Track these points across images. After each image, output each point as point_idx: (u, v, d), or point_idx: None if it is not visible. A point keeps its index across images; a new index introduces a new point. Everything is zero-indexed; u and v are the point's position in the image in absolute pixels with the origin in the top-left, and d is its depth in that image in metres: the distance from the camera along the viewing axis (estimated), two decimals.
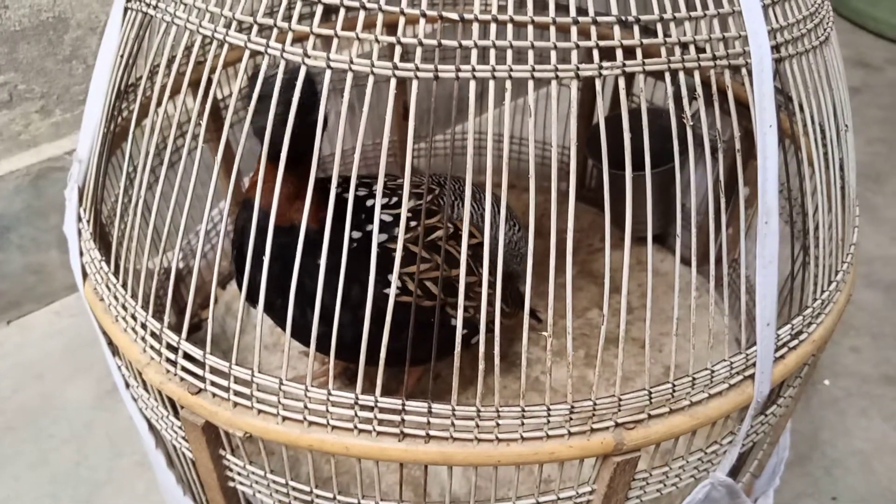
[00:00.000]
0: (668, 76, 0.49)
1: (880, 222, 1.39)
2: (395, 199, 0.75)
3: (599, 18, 0.47)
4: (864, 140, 1.59)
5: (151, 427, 0.69)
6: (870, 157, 1.55)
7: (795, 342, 0.59)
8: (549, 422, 0.52)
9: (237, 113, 1.00)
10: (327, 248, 0.48)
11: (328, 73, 0.47)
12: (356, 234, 0.68)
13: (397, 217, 0.70)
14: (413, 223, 0.71)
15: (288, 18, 0.48)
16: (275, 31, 0.48)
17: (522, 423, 0.52)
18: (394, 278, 0.48)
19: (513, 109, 1.28)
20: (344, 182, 0.65)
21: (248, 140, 0.53)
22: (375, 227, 0.50)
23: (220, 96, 0.99)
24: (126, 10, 0.59)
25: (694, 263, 0.59)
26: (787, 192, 0.70)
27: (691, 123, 0.49)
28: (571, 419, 0.53)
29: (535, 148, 1.24)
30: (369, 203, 0.72)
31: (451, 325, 0.70)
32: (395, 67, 0.46)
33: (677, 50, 0.48)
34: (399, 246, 0.49)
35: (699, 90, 0.50)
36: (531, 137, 0.50)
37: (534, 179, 0.50)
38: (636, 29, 0.48)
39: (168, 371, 0.57)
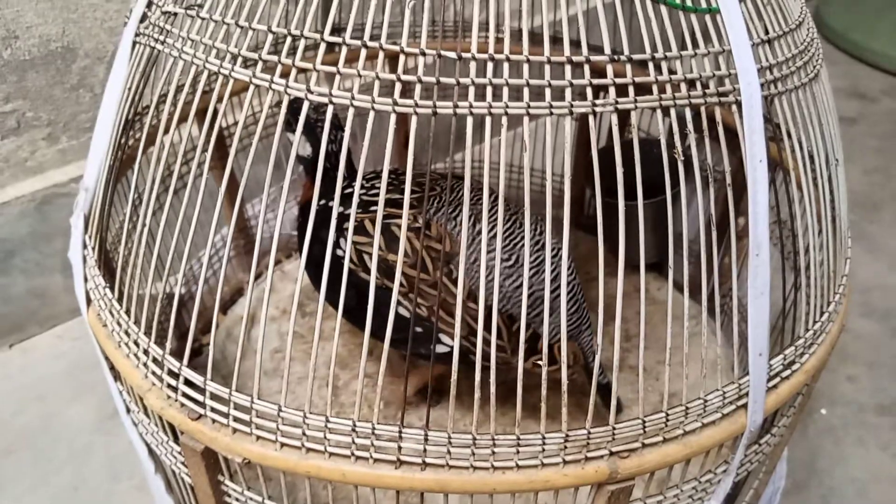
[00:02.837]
0: (659, 112, 0.50)
1: (877, 251, 1.39)
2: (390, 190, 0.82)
3: (593, 57, 0.48)
4: (861, 170, 1.61)
5: (151, 452, 0.70)
6: (866, 186, 1.56)
7: (788, 372, 0.60)
8: (543, 450, 0.53)
9: (241, 141, 1.02)
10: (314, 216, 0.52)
11: (330, 107, 0.49)
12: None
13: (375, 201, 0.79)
14: (374, 208, 0.78)
15: (292, 54, 0.50)
16: (279, 66, 0.50)
17: (518, 451, 0.53)
18: (330, 234, 0.52)
19: (511, 139, 1.29)
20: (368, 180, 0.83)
21: (253, 167, 0.55)
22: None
23: (224, 125, 1.01)
24: (134, 44, 0.61)
25: (686, 292, 0.60)
26: (779, 225, 0.71)
27: (682, 158, 0.51)
28: (566, 447, 0.53)
29: (535, 176, 1.26)
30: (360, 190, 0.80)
31: (399, 314, 0.74)
32: (395, 104, 0.47)
33: (668, 87, 0.50)
34: (352, 213, 0.53)
35: (690, 126, 0.51)
36: (526, 169, 0.51)
37: (528, 208, 0.51)
38: (628, 67, 0.49)
39: (169, 397, 0.58)
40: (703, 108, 0.52)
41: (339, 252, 0.76)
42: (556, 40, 0.50)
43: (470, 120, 0.48)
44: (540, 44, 0.48)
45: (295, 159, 0.53)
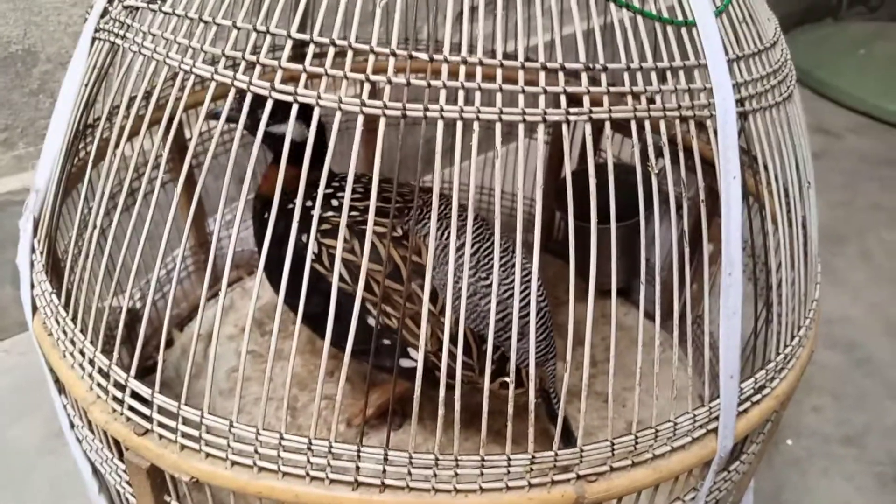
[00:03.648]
0: (634, 125, 0.49)
1: (841, 284, 1.41)
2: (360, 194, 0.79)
3: (567, 65, 0.47)
4: (826, 204, 1.63)
5: (95, 470, 0.66)
6: (831, 220, 1.58)
7: (759, 397, 0.59)
8: (509, 472, 0.51)
9: (204, 154, 0.99)
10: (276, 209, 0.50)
11: (295, 107, 0.47)
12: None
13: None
14: (355, 213, 0.76)
15: (257, 52, 0.48)
16: (243, 63, 0.48)
17: (482, 474, 0.51)
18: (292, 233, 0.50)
19: (482, 162, 1.29)
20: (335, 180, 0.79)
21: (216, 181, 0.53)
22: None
23: (187, 135, 0.98)
24: (94, 39, 0.59)
25: (658, 318, 0.58)
26: (752, 251, 0.70)
27: (656, 172, 0.50)
28: (532, 470, 0.51)
29: (504, 199, 1.25)
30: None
31: (368, 325, 0.72)
32: (364, 104, 0.46)
33: (644, 99, 0.49)
34: (316, 213, 0.51)
35: (664, 139, 0.50)
36: (498, 185, 0.50)
37: (499, 227, 0.49)
38: (603, 77, 0.48)
39: (114, 410, 0.54)
40: (678, 129, 0.51)
41: (310, 255, 0.73)
42: (531, 50, 0.48)
43: (441, 125, 0.46)
44: (514, 57, 0.47)
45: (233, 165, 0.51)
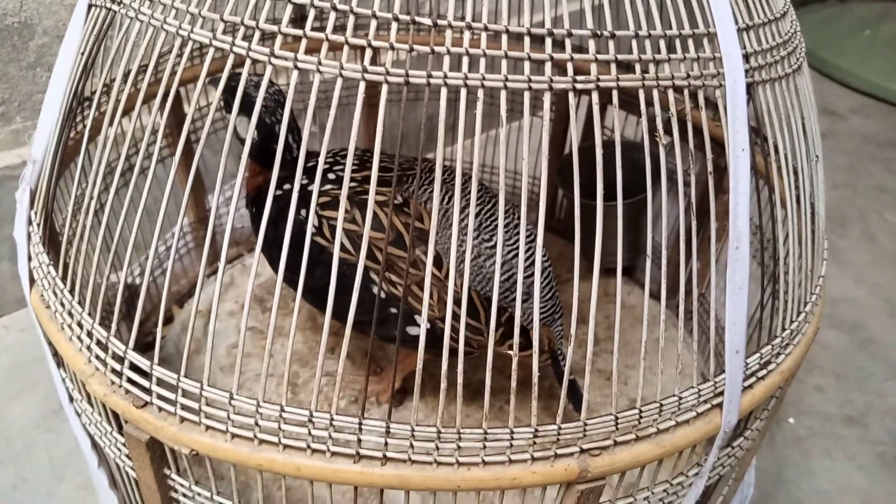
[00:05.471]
0: (642, 94, 0.48)
1: (845, 265, 1.40)
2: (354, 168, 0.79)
3: (575, 31, 0.46)
4: (830, 185, 1.62)
5: (95, 444, 0.66)
6: (835, 201, 1.57)
7: (764, 372, 0.58)
8: (511, 445, 0.50)
9: (200, 130, 0.98)
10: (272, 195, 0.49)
11: (295, 73, 0.46)
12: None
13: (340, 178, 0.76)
14: (354, 184, 0.76)
15: (256, 17, 0.47)
16: (242, 29, 0.47)
17: (484, 447, 0.50)
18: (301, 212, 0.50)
19: (484, 141, 1.28)
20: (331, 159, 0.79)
21: (215, 154, 0.52)
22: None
23: (185, 110, 0.97)
24: (90, 7, 0.57)
25: (664, 297, 0.58)
26: (759, 228, 0.69)
27: (664, 143, 0.49)
28: (535, 443, 0.51)
29: (506, 178, 1.24)
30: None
31: (374, 294, 0.70)
32: (365, 70, 0.45)
33: (652, 68, 0.48)
34: (316, 187, 0.49)
35: (673, 111, 0.49)
36: (502, 155, 0.49)
37: (503, 194, 0.49)
38: (611, 44, 0.47)
39: (113, 383, 0.54)
40: (687, 106, 0.50)
41: (311, 228, 0.72)
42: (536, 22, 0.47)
43: (444, 92, 0.45)
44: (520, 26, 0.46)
45: (231, 139, 0.50)
